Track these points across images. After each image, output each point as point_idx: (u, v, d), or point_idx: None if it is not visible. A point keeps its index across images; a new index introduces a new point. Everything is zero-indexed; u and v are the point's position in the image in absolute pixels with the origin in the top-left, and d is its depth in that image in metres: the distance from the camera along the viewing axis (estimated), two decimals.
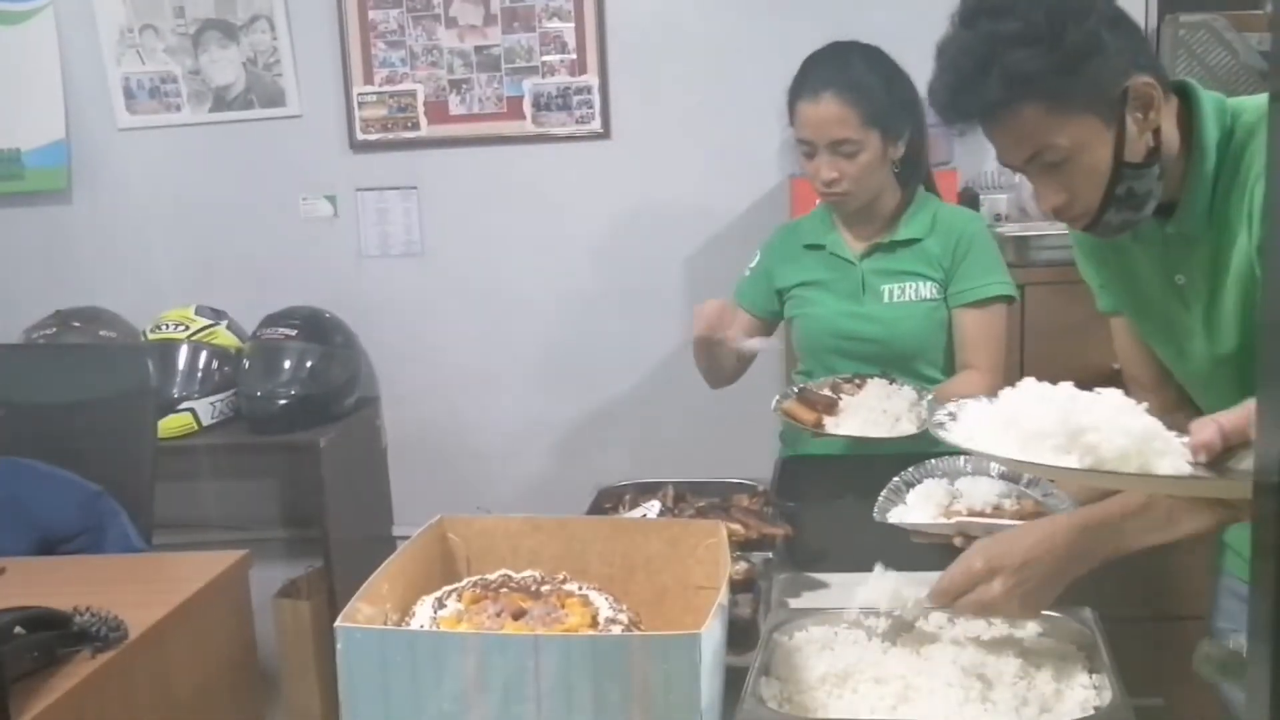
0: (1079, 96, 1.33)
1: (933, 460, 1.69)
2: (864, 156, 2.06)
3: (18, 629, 1.44)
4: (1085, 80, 1.32)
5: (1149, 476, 1.05)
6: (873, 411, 1.89)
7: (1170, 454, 1.05)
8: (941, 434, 1.16)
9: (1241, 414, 0.97)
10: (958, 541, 1.52)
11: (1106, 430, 1.05)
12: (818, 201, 2.22)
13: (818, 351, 2.18)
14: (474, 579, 1.28)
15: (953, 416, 1.18)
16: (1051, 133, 1.35)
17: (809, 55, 2.14)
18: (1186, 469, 1.03)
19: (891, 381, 1.98)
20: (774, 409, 1.98)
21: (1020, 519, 1.54)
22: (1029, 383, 1.15)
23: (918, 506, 1.61)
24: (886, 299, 2.13)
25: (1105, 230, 1.43)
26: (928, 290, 2.12)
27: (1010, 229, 2.78)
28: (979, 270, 2.12)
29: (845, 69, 2.06)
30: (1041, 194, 1.42)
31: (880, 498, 1.66)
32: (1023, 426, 1.08)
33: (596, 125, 3.22)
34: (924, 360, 2.13)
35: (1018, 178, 2.91)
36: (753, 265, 2.29)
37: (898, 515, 1.61)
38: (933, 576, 1.69)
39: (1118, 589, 1.83)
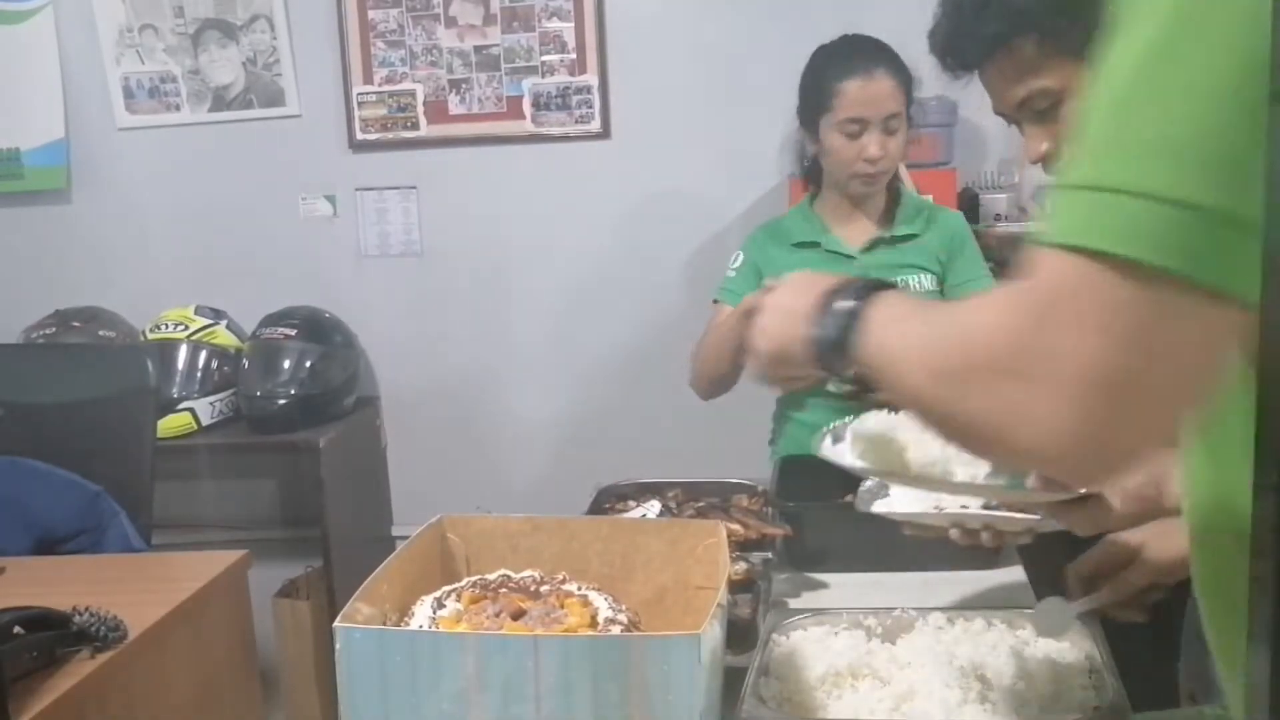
0: (1073, 38, 1.37)
1: None
2: (901, 135, 2.13)
3: (17, 629, 1.44)
4: (1079, 23, 1.36)
5: (940, 480, 1.24)
6: None
7: (972, 464, 1.21)
8: (822, 451, 1.37)
9: None
10: (953, 534, 1.52)
11: (919, 443, 1.25)
12: (861, 189, 2.20)
13: None
14: (473, 579, 1.28)
15: (839, 436, 1.39)
16: (1043, 73, 1.38)
17: (840, 39, 2.19)
18: (980, 477, 1.22)
19: None
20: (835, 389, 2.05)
21: (1011, 508, 1.53)
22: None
23: (902, 498, 1.60)
24: None
25: None
26: (928, 283, 2.17)
27: (1009, 228, 2.79)
28: (972, 264, 2.20)
29: (885, 51, 2.15)
30: (1029, 143, 1.46)
31: (861, 489, 1.63)
32: (861, 436, 1.33)
33: (596, 125, 3.22)
34: None
35: (1017, 177, 2.94)
36: (736, 265, 2.29)
37: (883, 506, 1.59)
38: (933, 576, 1.70)
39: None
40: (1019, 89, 1.40)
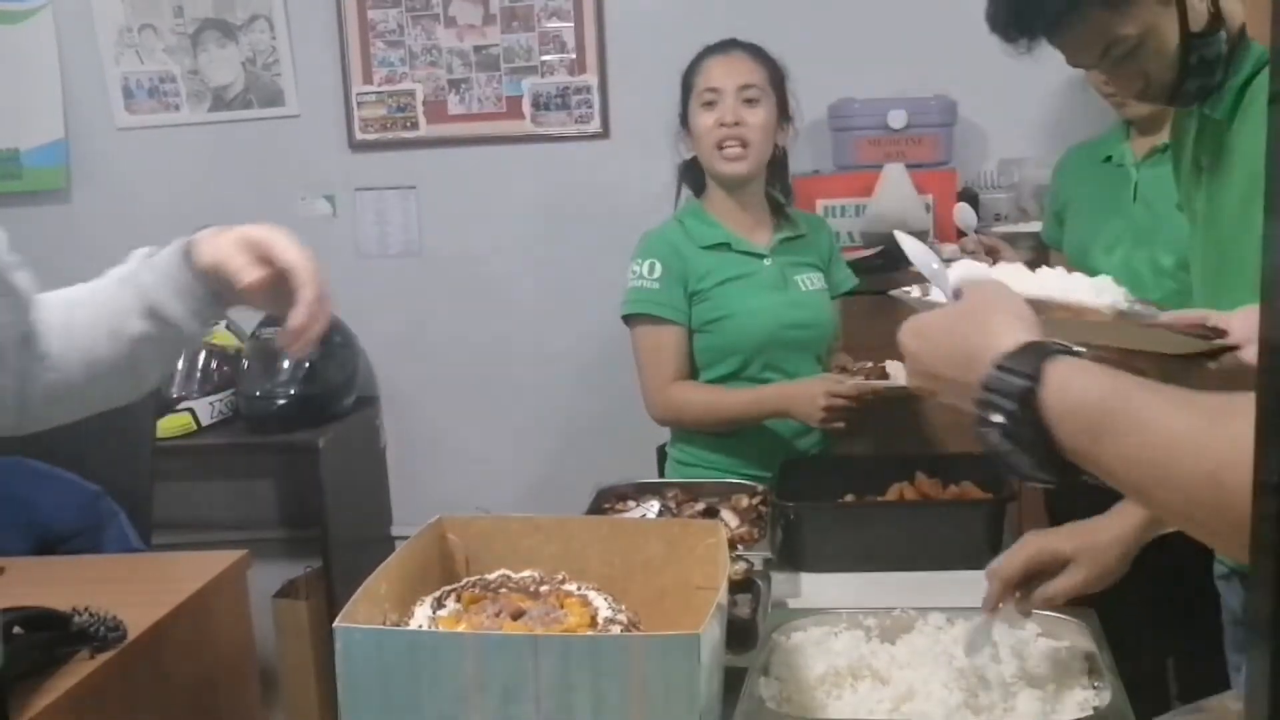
0: None
1: None
2: (763, 113, 2.18)
3: (17, 629, 1.44)
4: None
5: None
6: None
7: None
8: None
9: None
10: None
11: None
12: (726, 167, 2.21)
13: (761, 346, 2.18)
14: (473, 579, 1.28)
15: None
16: (1117, 26, 1.42)
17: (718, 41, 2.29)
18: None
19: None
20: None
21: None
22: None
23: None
24: (802, 288, 2.25)
25: (1185, 99, 1.52)
26: (821, 280, 2.28)
27: (1006, 228, 2.80)
28: (843, 266, 2.38)
29: (750, 44, 2.27)
30: (1121, 85, 1.53)
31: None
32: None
33: (596, 125, 3.22)
34: (830, 345, 2.29)
35: (1016, 177, 2.94)
36: (656, 275, 2.19)
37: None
38: (933, 576, 1.70)
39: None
40: (1095, 47, 1.44)
